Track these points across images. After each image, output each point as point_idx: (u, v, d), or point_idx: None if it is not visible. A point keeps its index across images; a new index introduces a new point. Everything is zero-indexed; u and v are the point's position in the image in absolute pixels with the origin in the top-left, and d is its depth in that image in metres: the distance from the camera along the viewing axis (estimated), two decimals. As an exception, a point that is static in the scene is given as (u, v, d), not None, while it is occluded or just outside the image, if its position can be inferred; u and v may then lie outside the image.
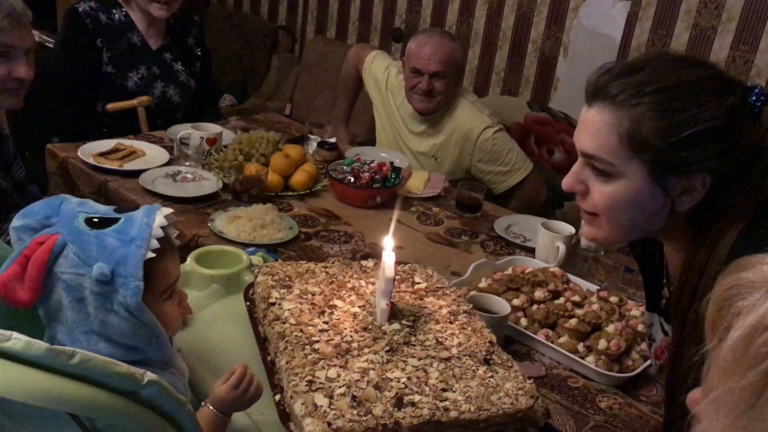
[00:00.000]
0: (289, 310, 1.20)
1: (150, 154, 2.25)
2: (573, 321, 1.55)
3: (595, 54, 3.13)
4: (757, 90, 1.00)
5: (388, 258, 1.19)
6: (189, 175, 2.14)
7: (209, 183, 2.10)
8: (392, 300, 1.26)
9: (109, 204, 1.99)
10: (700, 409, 0.55)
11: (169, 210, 1.08)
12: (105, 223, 1.03)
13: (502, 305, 1.49)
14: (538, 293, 1.65)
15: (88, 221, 1.02)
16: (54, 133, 2.52)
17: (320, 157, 2.44)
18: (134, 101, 2.51)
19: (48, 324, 1.03)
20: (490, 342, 1.20)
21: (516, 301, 1.61)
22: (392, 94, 2.73)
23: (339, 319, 1.20)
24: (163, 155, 2.25)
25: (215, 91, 3.05)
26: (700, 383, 0.57)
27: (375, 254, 1.88)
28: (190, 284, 1.45)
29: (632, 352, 1.50)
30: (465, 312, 1.28)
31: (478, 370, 1.12)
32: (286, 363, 1.08)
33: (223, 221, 1.87)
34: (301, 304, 1.22)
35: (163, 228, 1.05)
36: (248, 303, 1.33)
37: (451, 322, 1.24)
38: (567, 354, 1.47)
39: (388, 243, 1.21)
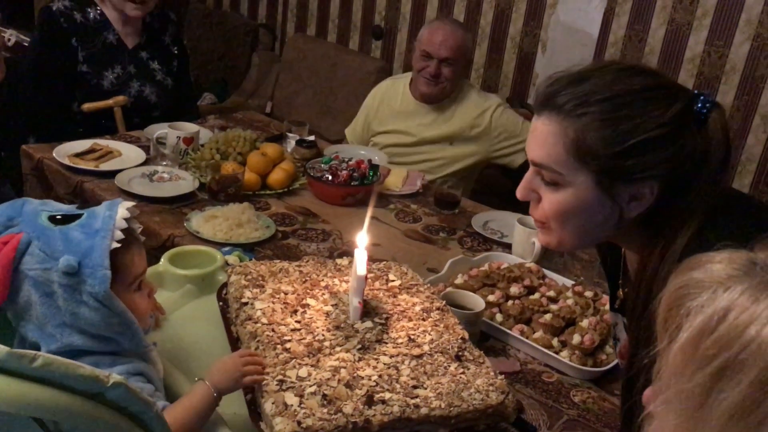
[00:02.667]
0: (261, 309, 1.20)
1: (126, 154, 2.24)
2: (548, 316, 1.56)
3: (572, 49, 3.15)
4: (702, 97, 1.01)
5: (360, 256, 1.19)
6: (166, 175, 2.13)
7: (186, 183, 2.09)
8: (365, 298, 1.27)
9: (86, 205, 1.99)
10: (652, 409, 0.56)
11: (130, 203, 1.10)
12: (68, 219, 1.05)
13: (476, 301, 1.50)
14: (514, 289, 1.66)
15: (52, 219, 1.03)
16: (30, 134, 2.50)
17: (299, 155, 2.43)
18: (110, 101, 2.49)
19: (17, 324, 1.03)
20: (462, 339, 1.21)
21: (491, 297, 1.61)
22: (388, 101, 2.77)
23: (311, 318, 1.20)
24: (139, 155, 2.24)
25: (193, 90, 3.03)
26: (652, 383, 0.57)
27: (352, 252, 1.88)
28: (164, 285, 1.44)
29: (606, 347, 1.51)
30: (438, 309, 1.28)
31: (449, 366, 1.13)
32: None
33: (199, 221, 1.86)
34: (273, 303, 1.22)
35: (126, 220, 1.07)
36: (221, 303, 1.33)
37: (423, 319, 1.25)
38: (541, 349, 1.48)
39: (361, 240, 1.21)
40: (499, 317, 1.58)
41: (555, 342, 1.51)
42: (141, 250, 1.13)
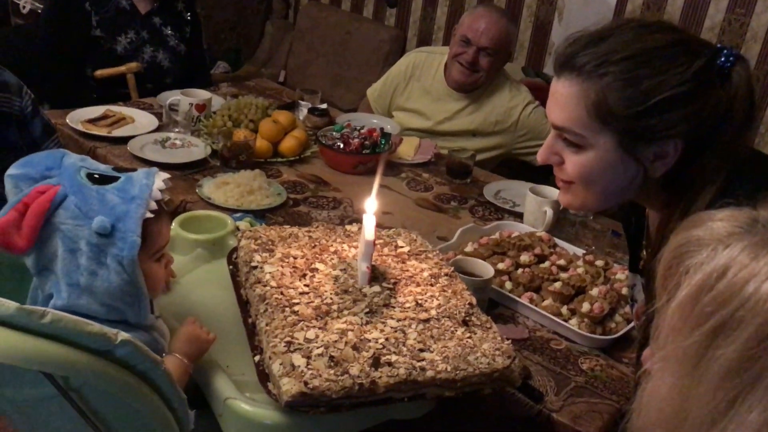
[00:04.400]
0: (270, 273, 1.21)
1: (139, 120, 2.25)
2: (557, 284, 1.56)
3: (589, 18, 3.09)
4: (725, 51, 0.99)
5: (369, 221, 1.19)
6: (178, 142, 2.14)
7: (198, 149, 2.09)
8: (373, 263, 1.27)
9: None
10: (649, 367, 0.55)
11: (166, 175, 1.11)
12: (106, 180, 1.05)
13: (485, 269, 1.50)
14: (524, 257, 1.66)
15: (90, 176, 1.04)
16: (44, 100, 2.50)
17: (311, 123, 2.43)
18: (123, 68, 2.49)
19: (37, 273, 1.04)
20: (470, 304, 1.21)
21: (501, 265, 1.61)
22: (419, 75, 2.63)
23: (320, 282, 1.21)
24: (152, 122, 2.24)
25: (206, 57, 3.02)
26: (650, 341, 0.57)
27: (362, 219, 1.89)
28: (175, 249, 1.45)
29: (616, 315, 1.51)
30: (446, 275, 1.29)
31: (456, 331, 1.13)
32: (266, 325, 1.09)
33: (211, 187, 1.87)
34: (282, 267, 1.23)
35: (160, 191, 1.08)
36: (231, 267, 1.34)
37: (431, 285, 1.25)
38: (550, 316, 1.48)
39: (369, 206, 1.21)
40: (508, 285, 1.58)
41: (564, 310, 1.51)
42: (168, 220, 1.15)
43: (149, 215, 1.05)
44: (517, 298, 1.53)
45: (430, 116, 2.60)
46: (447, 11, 3.63)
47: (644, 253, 1.22)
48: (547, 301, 1.53)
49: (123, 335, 0.83)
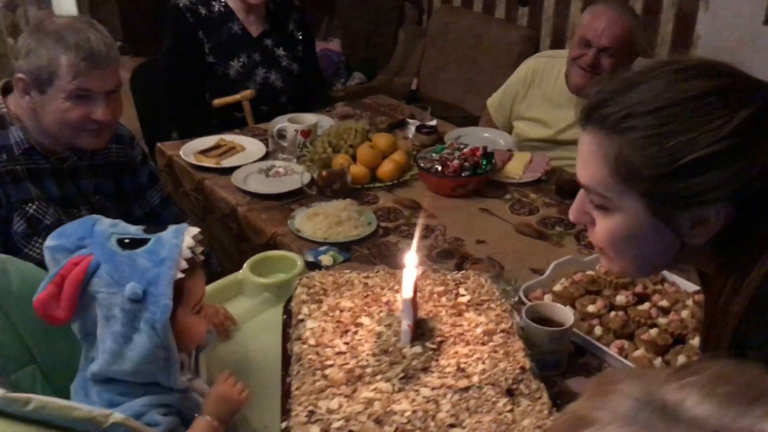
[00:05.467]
0: (311, 329, 1.18)
1: (249, 149, 2.31)
2: (653, 331, 1.39)
3: (740, 7, 2.75)
4: None
5: (408, 277, 1.12)
6: (281, 170, 2.17)
7: (300, 177, 2.11)
8: (424, 316, 1.20)
9: (206, 201, 2.06)
10: None
11: (195, 230, 1.13)
12: (136, 243, 1.08)
13: (565, 315, 1.37)
14: (620, 297, 1.49)
15: (120, 242, 1.07)
16: (172, 129, 2.67)
17: (419, 142, 2.37)
18: (238, 96, 2.58)
19: (83, 339, 1.09)
20: (522, 368, 1.10)
21: (591, 308, 1.47)
22: (540, 82, 2.50)
23: (361, 339, 1.16)
24: (261, 150, 2.30)
25: (321, 75, 3.03)
26: None
27: (454, 250, 1.81)
28: (244, 292, 1.47)
29: (721, 370, 1.31)
30: (503, 331, 1.18)
31: (498, 402, 1.03)
32: (296, 389, 1.06)
33: (302, 219, 1.88)
34: (325, 322, 1.19)
35: (190, 248, 1.09)
36: (285, 316, 1.32)
37: (483, 344, 1.15)
38: (639, 371, 1.32)
39: (409, 260, 1.14)
40: (598, 331, 1.43)
41: (658, 362, 1.34)
42: (202, 274, 1.16)
43: (181, 275, 1.07)
44: (604, 347, 1.38)
45: (551, 124, 2.45)
46: (581, 6, 3.39)
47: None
48: (639, 351, 1.37)
49: (115, 417, 0.83)
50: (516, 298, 1.55)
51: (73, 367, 1.12)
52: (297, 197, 2.03)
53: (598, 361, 1.40)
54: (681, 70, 0.86)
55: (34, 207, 1.64)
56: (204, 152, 2.25)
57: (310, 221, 1.85)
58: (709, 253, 0.91)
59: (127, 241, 1.06)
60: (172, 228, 1.09)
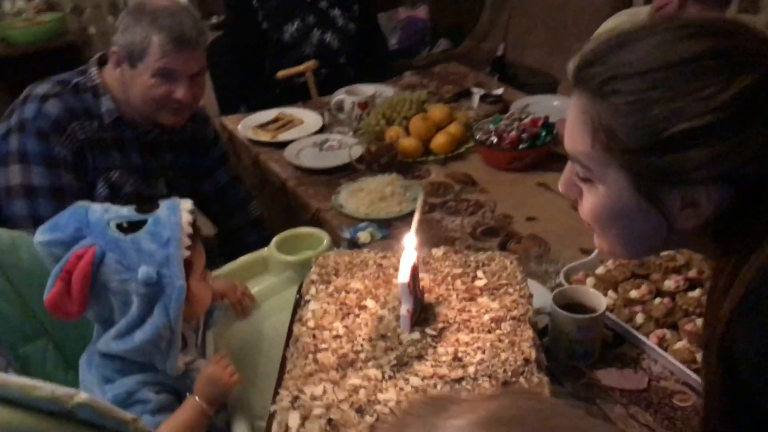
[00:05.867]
0: (312, 310, 1.14)
1: (307, 122, 2.30)
2: (699, 321, 1.26)
3: None
4: None
5: (406, 260, 1.06)
6: (335, 144, 2.14)
7: (352, 151, 2.08)
8: (434, 300, 1.15)
9: (261, 176, 2.07)
10: None
11: (188, 203, 1.12)
12: (134, 226, 1.08)
13: (597, 301, 1.26)
14: (669, 282, 1.37)
15: (119, 227, 1.08)
16: (240, 103, 2.70)
17: (483, 112, 2.27)
18: (301, 67, 2.57)
19: (99, 323, 1.11)
20: (526, 360, 1.02)
21: (634, 293, 1.35)
22: None
23: (361, 323, 1.11)
24: (318, 123, 2.28)
25: (382, 37, 2.90)
26: None
27: (500, 227, 1.72)
28: (269, 269, 1.46)
29: None
30: (514, 319, 1.10)
31: (491, 395, 0.96)
32: (287, 372, 1.04)
33: (346, 194, 1.85)
34: (328, 304, 1.16)
35: (190, 223, 1.10)
36: (297, 295, 1.30)
37: (489, 332, 1.08)
38: (677, 364, 1.20)
39: (408, 242, 1.08)
40: (639, 318, 1.31)
41: (699, 357, 1.21)
42: (200, 245, 1.16)
43: (187, 253, 1.07)
44: (642, 337, 1.27)
45: None
46: (678, -40, 3.11)
47: None
48: (681, 343, 1.24)
49: (80, 397, 0.84)
50: (556, 281, 1.46)
51: (86, 338, 1.15)
52: (347, 172, 1.99)
53: (637, 351, 1.29)
54: (680, 27, 0.75)
55: (116, 175, 1.72)
56: (262, 126, 2.26)
57: (353, 197, 1.82)
58: (708, 239, 0.80)
59: (125, 225, 1.06)
60: (164, 205, 1.09)
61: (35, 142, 1.60)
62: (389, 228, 1.73)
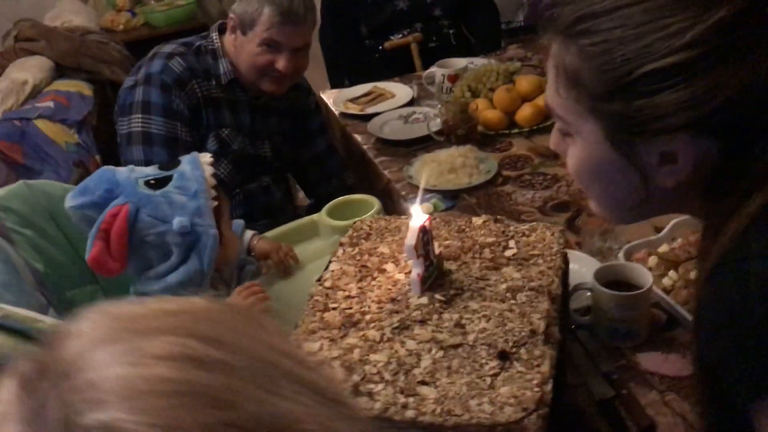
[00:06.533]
0: (332, 270, 1.15)
1: (398, 95, 2.30)
2: (762, 308, 1.12)
3: None
4: None
5: (415, 222, 1.04)
6: (421, 117, 2.13)
7: (434, 124, 2.05)
8: (456, 267, 1.11)
9: (348, 148, 2.13)
10: None
11: (207, 156, 1.17)
12: (161, 182, 1.15)
13: (643, 278, 1.17)
14: (737, 265, 1.23)
15: (147, 184, 1.15)
16: (344, 76, 2.74)
17: (581, 86, 2.15)
18: (409, 38, 2.57)
19: (138, 277, 1.19)
20: (532, 331, 0.96)
21: (693, 274, 1.23)
22: None
23: (375, 285, 1.10)
24: (408, 96, 2.27)
25: (489, 3, 2.82)
26: None
27: (573, 202, 1.63)
28: (320, 234, 1.49)
29: None
30: (532, 290, 1.04)
31: (486, 364, 0.92)
32: (295, 328, 1.06)
33: (418, 165, 1.83)
34: (349, 265, 1.16)
35: (212, 175, 1.16)
36: (331, 257, 1.31)
37: (502, 301, 1.03)
38: (728, 353, 1.08)
39: (415, 207, 1.05)
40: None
41: (755, 346, 1.08)
42: (222, 192, 1.22)
43: (214, 203, 1.12)
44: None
45: None
46: None
47: None
48: (738, 331, 1.12)
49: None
50: (616, 258, 1.37)
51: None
52: (426, 144, 1.97)
53: (689, 336, 1.17)
54: None
55: (226, 132, 1.85)
56: (353, 100, 2.29)
57: (424, 168, 1.80)
58: (696, 201, 0.72)
59: (153, 182, 1.12)
60: (185, 160, 1.14)
61: (158, 93, 1.75)
62: (456, 199, 1.69)
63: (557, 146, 0.82)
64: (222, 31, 1.87)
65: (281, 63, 1.77)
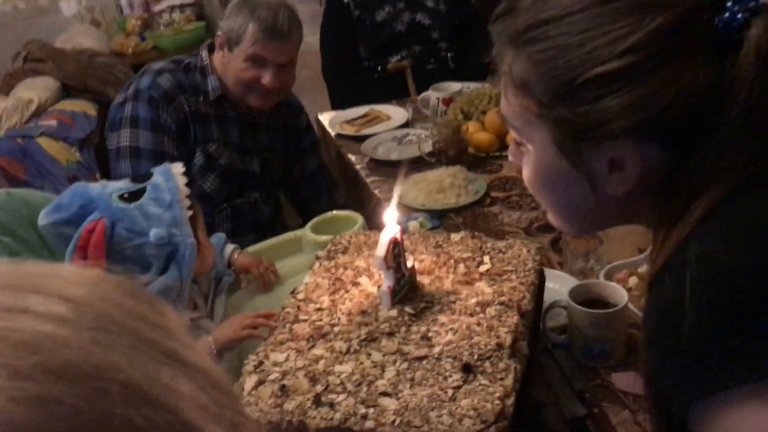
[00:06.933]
0: (306, 283, 1.15)
1: (394, 118, 2.32)
2: (738, 329, 1.11)
3: None
4: (731, 2, 0.60)
5: (386, 235, 1.04)
6: (414, 138, 2.14)
7: (426, 145, 2.07)
8: (431, 282, 1.11)
9: (341, 168, 2.15)
10: None
11: (179, 166, 1.18)
12: (135, 195, 1.16)
13: (619, 296, 1.16)
14: (717, 285, 1.22)
15: (122, 198, 1.16)
16: (343, 98, 2.76)
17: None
18: (405, 62, 2.61)
19: None
20: (498, 344, 0.96)
21: (672, 294, 1.22)
22: None
23: (347, 298, 1.11)
24: (403, 118, 2.29)
25: (478, 18, 2.84)
26: None
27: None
28: (303, 250, 1.49)
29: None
30: (501, 305, 1.04)
31: (449, 377, 0.92)
32: (264, 340, 1.06)
33: (408, 185, 1.84)
34: (323, 278, 1.16)
35: (185, 185, 1.17)
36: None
37: (471, 315, 1.03)
38: (701, 373, 1.07)
39: (388, 218, 1.06)
40: (675, 321, 1.19)
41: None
42: (196, 202, 1.23)
43: (189, 212, 1.13)
44: (669, 341, 1.14)
45: None
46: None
47: None
48: (713, 351, 1.11)
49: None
50: (598, 278, 1.36)
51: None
52: (418, 165, 1.98)
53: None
54: None
55: (213, 147, 1.88)
56: (349, 121, 2.31)
57: (414, 187, 1.81)
58: (646, 210, 0.72)
59: (126, 195, 1.14)
60: (158, 171, 1.15)
61: (146, 108, 1.79)
62: (443, 219, 1.70)
63: (515, 157, 0.82)
64: (212, 49, 1.91)
65: (266, 78, 1.80)
